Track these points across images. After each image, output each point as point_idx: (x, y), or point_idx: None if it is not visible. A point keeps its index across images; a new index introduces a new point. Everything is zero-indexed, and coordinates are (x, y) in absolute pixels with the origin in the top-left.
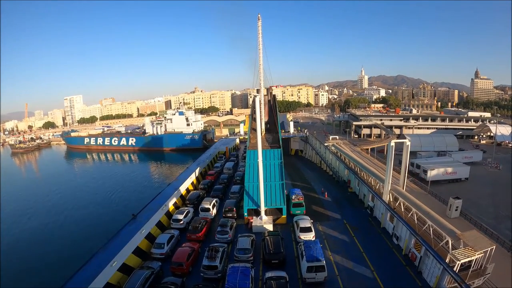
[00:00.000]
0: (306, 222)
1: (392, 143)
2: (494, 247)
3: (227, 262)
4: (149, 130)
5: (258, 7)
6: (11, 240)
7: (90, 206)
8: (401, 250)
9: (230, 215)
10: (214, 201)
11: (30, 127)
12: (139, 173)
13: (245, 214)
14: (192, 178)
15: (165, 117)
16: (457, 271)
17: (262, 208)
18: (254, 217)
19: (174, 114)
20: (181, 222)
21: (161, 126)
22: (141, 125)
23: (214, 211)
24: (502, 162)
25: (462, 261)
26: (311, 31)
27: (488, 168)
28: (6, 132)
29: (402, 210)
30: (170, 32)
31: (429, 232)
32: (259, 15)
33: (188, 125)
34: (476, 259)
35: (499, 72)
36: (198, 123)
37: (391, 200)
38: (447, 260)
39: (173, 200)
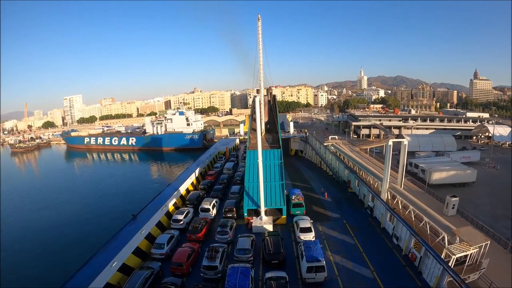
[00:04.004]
0: (306, 223)
1: (390, 143)
2: (489, 242)
3: (227, 262)
4: (149, 130)
5: (257, 7)
6: (11, 240)
7: (90, 206)
8: (401, 250)
9: (230, 215)
10: (214, 201)
11: (29, 126)
12: (139, 173)
13: (245, 214)
14: (192, 178)
15: (165, 117)
16: (452, 266)
17: (262, 209)
18: (254, 217)
19: (175, 114)
20: (181, 222)
21: (161, 126)
22: (141, 125)
23: (214, 212)
24: (500, 162)
25: (458, 255)
26: (310, 32)
27: (486, 168)
28: (6, 132)
29: (400, 208)
30: (169, 33)
31: (426, 229)
32: (259, 16)
33: (188, 125)
34: (471, 254)
35: (499, 73)
36: (198, 123)
37: (389, 198)
38: (443, 255)
39: (173, 200)
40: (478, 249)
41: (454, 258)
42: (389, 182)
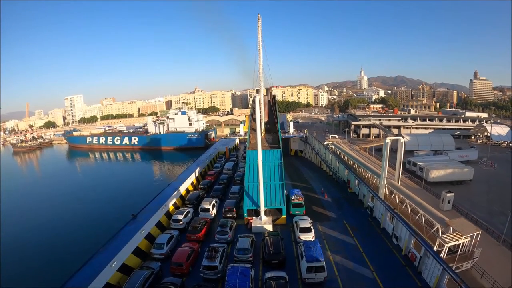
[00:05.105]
0: (306, 223)
1: (388, 140)
2: (480, 232)
3: (227, 262)
4: (152, 129)
5: (258, 7)
6: (11, 239)
7: (90, 206)
8: (400, 250)
9: (230, 215)
10: (214, 201)
11: (30, 126)
12: (142, 173)
13: (245, 214)
14: (192, 178)
15: (168, 117)
16: (445, 254)
17: (262, 209)
18: (254, 217)
19: (177, 114)
20: (181, 222)
21: (163, 126)
22: (143, 125)
23: (214, 212)
24: (497, 161)
25: (450, 244)
26: (311, 32)
27: (484, 167)
28: (7, 132)
29: (397, 202)
30: (170, 33)
31: (422, 221)
32: (259, 15)
33: (190, 124)
34: (463, 243)
35: (499, 73)
36: (200, 123)
37: (387, 193)
38: (436, 244)
39: (173, 200)
40: (470, 238)
41: (447, 247)
42: (387, 178)
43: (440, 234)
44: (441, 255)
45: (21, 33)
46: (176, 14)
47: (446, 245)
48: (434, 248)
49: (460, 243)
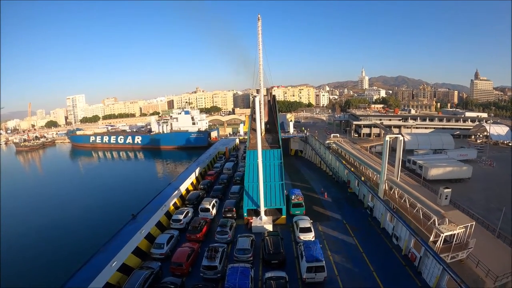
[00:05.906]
0: (306, 223)
1: (387, 138)
2: (474, 223)
3: (227, 262)
4: (155, 128)
5: (258, 7)
6: (11, 239)
7: (90, 206)
8: (400, 250)
9: (230, 215)
10: (213, 201)
11: (32, 126)
12: (144, 172)
13: (245, 214)
14: (192, 178)
15: (171, 116)
16: (441, 244)
17: (262, 209)
18: (254, 217)
19: (180, 113)
20: (181, 222)
21: (167, 125)
22: (145, 124)
23: (213, 211)
24: (496, 160)
25: (446, 234)
26: (312, 32)
27: (483, 166)
28: (9, 131)
29: (396, 197)
30: (171, 33)
31: (420, 214)
32: (259, 16)
33: (193, 124)
34: (458, 233)
35: (499, 73)
36: (203, 122)
37: (387, 189)
38: (432, 234)
39: (173, 200)
40: (464, 229)
41: (442, 237)
42: (386, 175)
43: (437, 224)
44: (437, 245)
45: (21, 33)
46: (177, 13)
47: (442, 234)
48: (431, 239)
49: (455, 234)
